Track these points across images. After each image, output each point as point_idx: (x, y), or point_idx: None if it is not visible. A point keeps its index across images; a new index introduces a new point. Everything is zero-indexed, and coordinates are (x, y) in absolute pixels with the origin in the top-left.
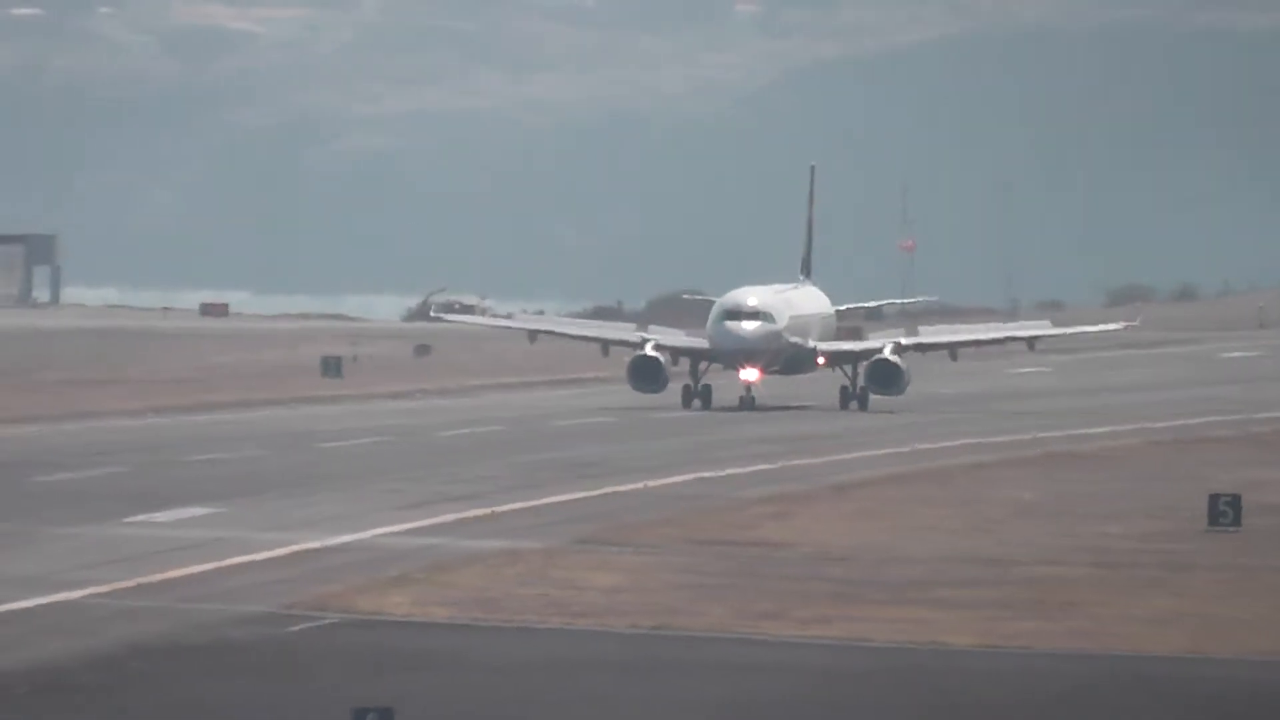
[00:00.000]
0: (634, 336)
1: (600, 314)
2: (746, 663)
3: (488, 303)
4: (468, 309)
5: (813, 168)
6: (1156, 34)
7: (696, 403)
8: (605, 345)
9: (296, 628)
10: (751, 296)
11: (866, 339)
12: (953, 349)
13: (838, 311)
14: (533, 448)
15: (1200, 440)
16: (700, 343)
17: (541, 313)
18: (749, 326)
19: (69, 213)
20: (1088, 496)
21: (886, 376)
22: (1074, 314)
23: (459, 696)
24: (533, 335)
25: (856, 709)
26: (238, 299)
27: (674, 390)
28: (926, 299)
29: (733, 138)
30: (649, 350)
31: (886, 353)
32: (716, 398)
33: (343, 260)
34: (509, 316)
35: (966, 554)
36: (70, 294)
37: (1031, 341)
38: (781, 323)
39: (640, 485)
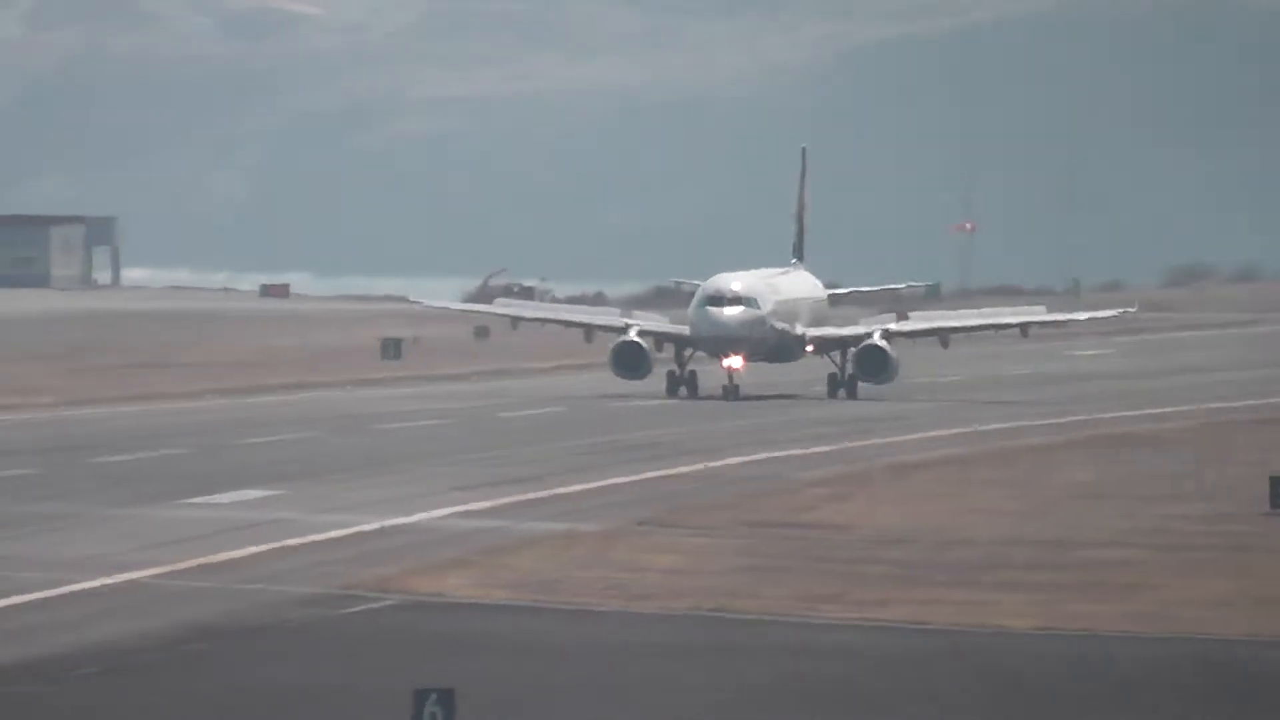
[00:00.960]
0: (618, 322)
1: (659, 295)
2: (805, 645)
3: (547, 285)
4: (527, 291)
5: (804, 149)
6: (1222, 10)
7: (682, 390)
8: (589, 330)
9: (355, 609)
10: (735, 281)
11: (856, 324)
12: (943, 335)
13: (832, 296)
14: (592, 430)
15: (1262, 422)
16: (684, 329)
17: (600, 294)
18: (731, 313)
19: (128, 194)
20: (1149, 478)
21: (875, 364)
22: (1133, 295)
23: (519, 678)
24: (515, 321)
25: (916, 692)
26: (298, 280)
27: (658, 376)
28: (913, 284)
29: (791, 119)
30: (632, 336)
31: (875, 339)
32: (703, 384)
33: (401, 242)
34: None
35: (1027, 536)
36: (130, 275)
37: (1025, 328)
38: (765, 308)
39: (700, 467)
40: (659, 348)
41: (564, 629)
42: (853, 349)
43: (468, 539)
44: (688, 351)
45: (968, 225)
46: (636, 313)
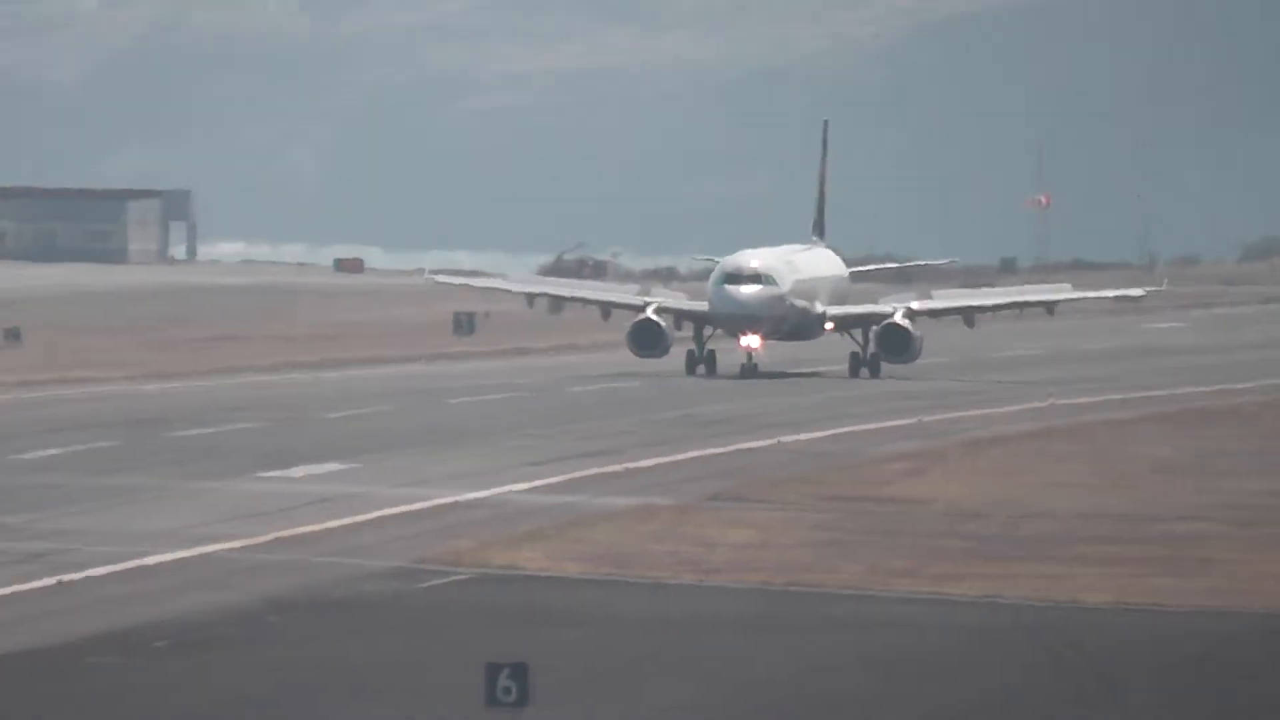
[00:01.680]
0: (636, 300)
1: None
2: (880, 619)
3: (620, 259)
4: (600, 266)
5: (825, 123)
6: None
7: (700, 369)
8: (606, 308)
9: (430, 583)
10: (753, 259)
11: (877, 303)
12: (967, 314)
13: (854, 274)
14: (666, 403)
15: None
16: (703, 306)
17: (673, 269)
18: (749, 290)
19: (204, 168)
20: (1226, 453)
21: (897, 343)
22: (1208, 269)
23: (592, 651)
24: (530, 299)
25: (990, 665)
26: (372, 255)
27: (676, 355)
28: (952, 260)
29: (866, 94)
30: (650, 314)
31: (897, 318)
32: (722, 362)
33: (476, 217)
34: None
35: (1103, 510)
36: (206, 250)
37: (1050, 306)
38: (785, 286)
39: (774, 441)
40: (678, 326)
41: (637, 603)
42: (874, 328)
43: (542, 513)
44: (707, 330)
45: (1042, 199)
46: (655, 290)
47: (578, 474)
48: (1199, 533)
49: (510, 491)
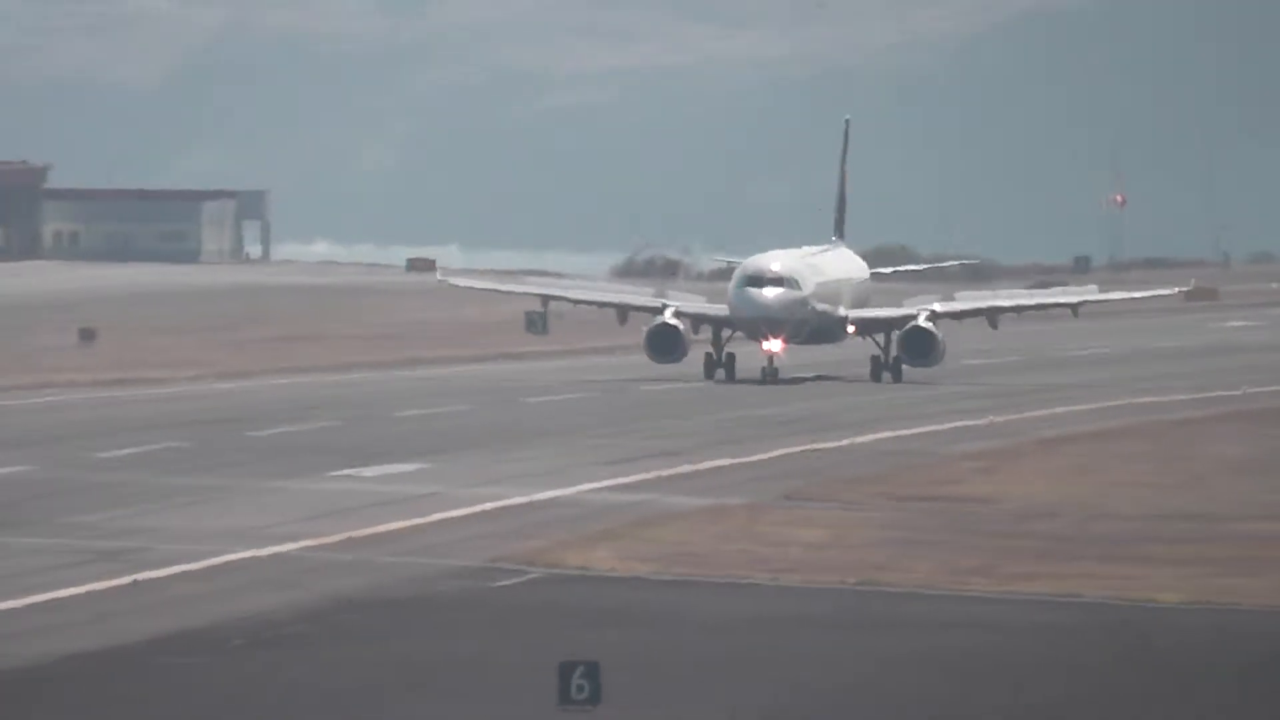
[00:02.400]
0: (653, 302)
1: None
2: (953, 619)
3: (692, 258)
4: (672, 264)
5: (847, 121)
6: None
7: (720, 373)
8: (623, 311)
9: (502, 582)
10: (775, 261)
11: (900, 305)
12: (991, 315)
13: (875, 275)
14: (737, 403)
15: None
16: (723, 310)
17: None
18: (771, 293)
19: (279, 169)
20: None
21: (921, 346)
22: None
23: (664, 651)
24: (545, 301)
25: (1063, 665)
26: (445, 254)
27: (694, 360)
28: (966, 261)
29: (941, 91)
30: (668, 317)
31: (921, 320)
32: (741, 366)
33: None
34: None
35: (1176, 510)
36: (280, 249)
37: (1075, 308)
38: (807, 289)
39: (845, 441)
40: (696, 329)
41: (710, 603)
42: (897, 331)
43: (614, 512)
44: (726, 333)
45: (1117, 198)
46: (672, 292)
47: (649, 473)
48: (1272, 532)
49: (582, 491)
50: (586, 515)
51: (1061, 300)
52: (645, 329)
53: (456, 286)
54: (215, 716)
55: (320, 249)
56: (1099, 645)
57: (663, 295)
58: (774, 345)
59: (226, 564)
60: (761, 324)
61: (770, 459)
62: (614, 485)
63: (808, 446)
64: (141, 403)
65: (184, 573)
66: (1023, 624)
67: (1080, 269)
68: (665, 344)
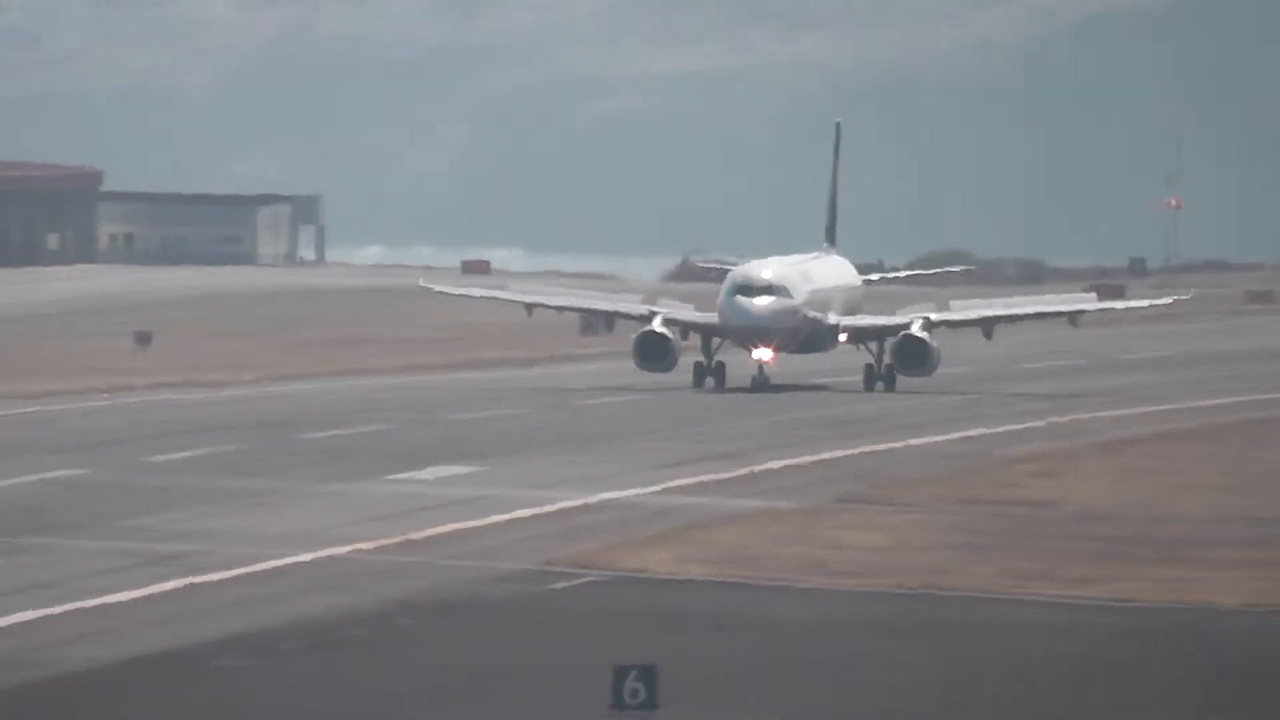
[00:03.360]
0: (641, 309)
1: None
2: (1012, 622)
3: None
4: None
5: (838, 124)
6: None
7: (709, 381)
8: (610, 319)
9: (558, 585)
10: (765, 269)
11: (894, 313)
12: (987, 325)
13: (866, 282)
14: (791, 406)
15: None
16: (712, 317)
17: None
18: (761, 302)
19: (334, 172)
20: None
21: (914, 355)
22: None
23: (721, 654)
24: (529, 308)
25: (1123, 668)
26: (499, 258)
27: (684, 368)
28: (967, 268)
29: (1002, 95)
30: (656, 325)
31: (914, 329)
32: (731, 375)
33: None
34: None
35: (1237, 513)
36: (335, 253)
37: (1074, 316)
38: (798, 298)
39: (902, 443)
40: (685, 337)
41: (766, 606)
42: (890, 339)
43: (669, 515)
44: (716, 342)
45: (1173, 201)
46: (663, 300)
47: (705, 476)
48: None
49: (637, 494)
50: (642, 518)
51: (1059, 309)
52: (633, 336)
53: (443, 294)
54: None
55: (374, 253)
56: (1158, 649)
57: (651, 303)
58: (764, 354)
59: (283, 567)
60: (751, 333)
61: (825, 461)
62: (669, 488)
63: (865, 449)
64: (197, 406)
65: (240, 576)
66: (1081, 628)
67: (1136, 271)
68: (654, 352)
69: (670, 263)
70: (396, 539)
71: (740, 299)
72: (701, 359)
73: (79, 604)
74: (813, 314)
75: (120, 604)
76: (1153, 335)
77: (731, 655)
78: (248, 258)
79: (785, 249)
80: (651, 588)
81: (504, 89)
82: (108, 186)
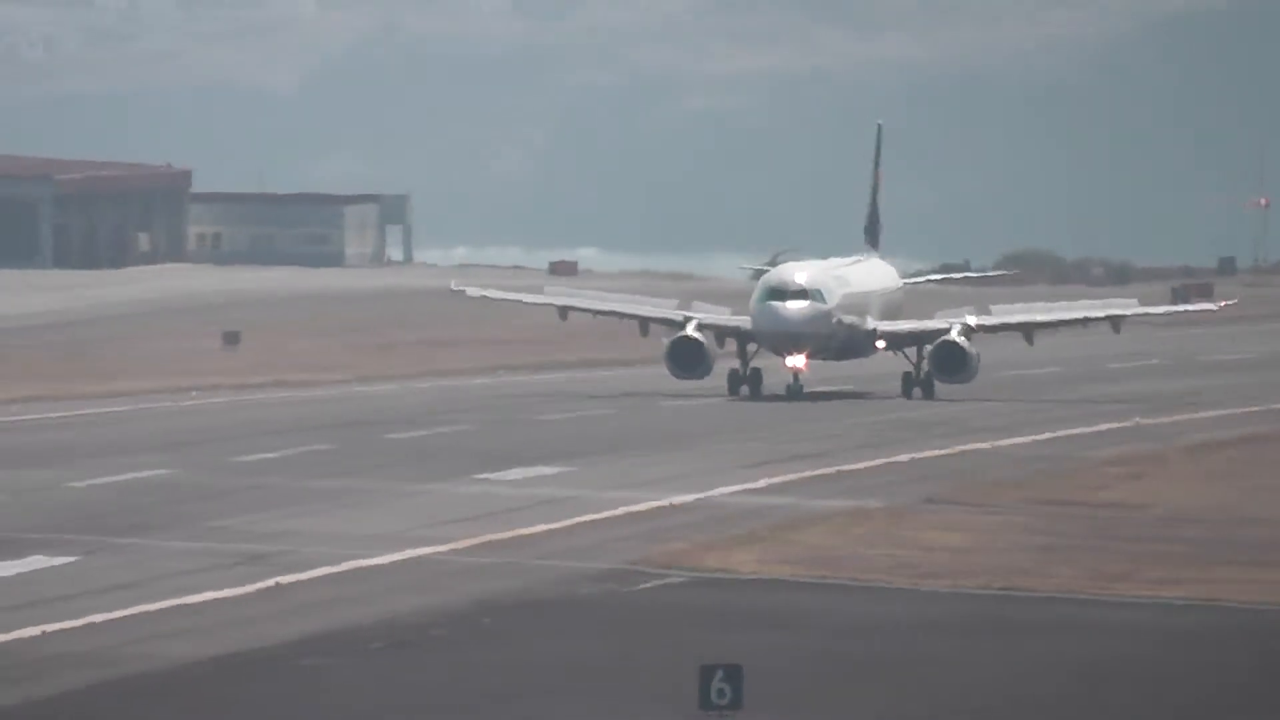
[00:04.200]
0: (675, 315)
1: (946, 271)
2: (1098, 624)
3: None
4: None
5: (879, 126)
6: None
7: (744, 389)
8: (644, 324)
9: (644, 585)
10: (799, 273)
11: (933, 318)
12: (1028, 330)
13: (905, 285)
14: (877, 407)
15: None
16: (748, 323)
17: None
18: (794, 307)
19: (419, 172)
20: None
21: (952, 361)
22: None
23: (806, 655)
24: (563, 311)
25: (1207, 671)
26: (585, 257)
27: (719, 374)
28: (1003, 271)
29: (1081, 94)
30: (690, 330)
31: (953, 335)
32: (769, 381)
33: (687, 219)
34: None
35: None
36: (420, 253)
37: (1116, 322)
38: (832, 303)
39: (989, 445)
40: (721, 343)
41: (850, 606)
42: (928, 345)
43: (755, 515)
44: (751, 347)
45: (1262, 201)
46: (697, 304)
47: (790, 476)
48: None
49: (723, 493)
50: (727, 518)
51: (1101, 314)
52: (666, 342)
53: (474, 297)
54: (355, 719)
55: (460, 253)
56: (1243, 651)
57: (686, 307)
58: (798, 360)
59: (368, 568)
60: (784, 339)
61: (913, 461)
62: (754, 488)
63: (951, 450)
64: (284, 405)
65: (325, 576)
66: (1165, 630)
67: (1225, 271)
68: (687, 358)
69: (757, 261)
70: (482, 539)
71: (773, 304)
72: (737, 366)
73: (166, 603)
74: (848, 319)
75: (206, 603)
76: (1234, 336)
77: (815, 656)
78: (335, 258)
79: (862, 249)
80: (737, 588)
81: (586, 88)
82: (195, 187)
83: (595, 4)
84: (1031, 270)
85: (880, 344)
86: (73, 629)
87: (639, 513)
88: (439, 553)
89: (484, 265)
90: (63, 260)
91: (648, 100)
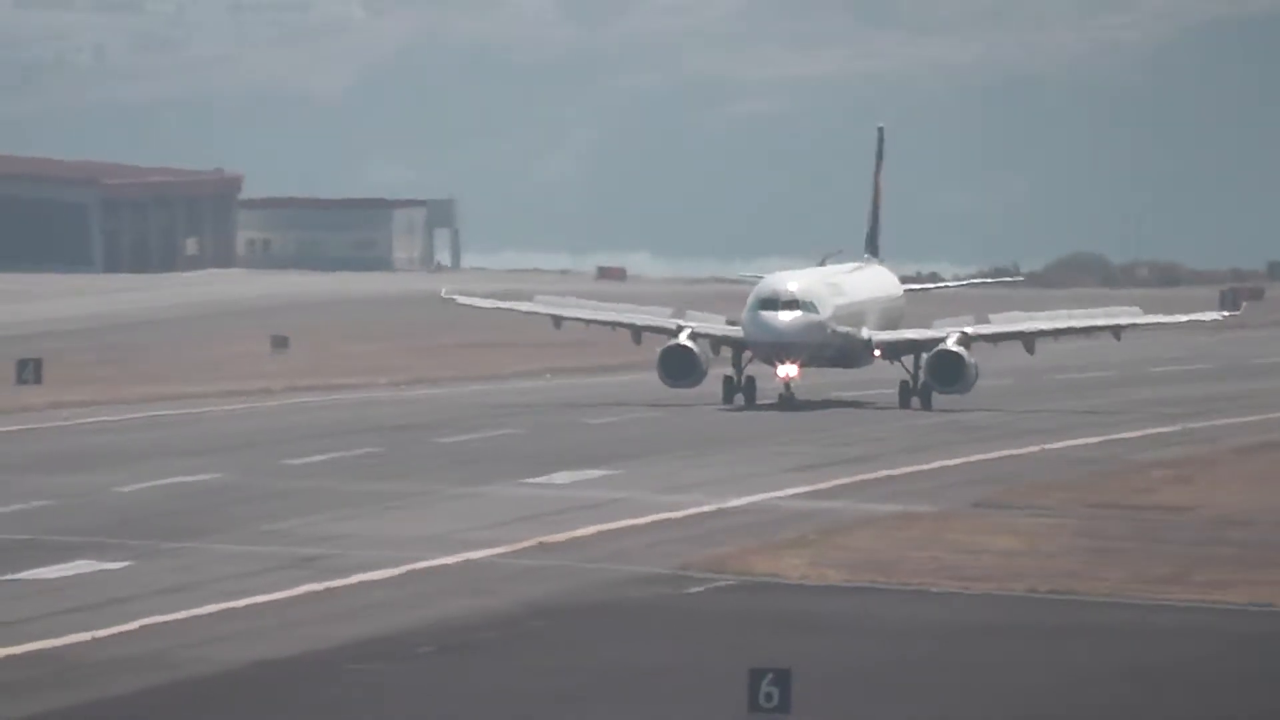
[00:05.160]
0: (669, 323)
1: (996, 275)
2: (1147, 627)
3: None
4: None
5: (880, 130)
6: None
7: (739, 398)
8: (637, 332)
9: (692, 589)
10: (792, 281)
11: (931, 326)
12: (1027, 339)
13: (906, 292)
14: (923, 411)
15: None
16: (742, 331)
17: (934, 274)
18: (786, 317)
19: (466, 177)
20: None
21: (949, 371)
22: None
23: (856, 659)
24: (557, 320)
25: (1258, 675)
26: (635, 262)
27: (713, 381)
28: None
29: (1131, 97)
30: (683, 339)
31: (950, 344)
32: (763, 389)
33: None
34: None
35: None
36: (470, 258)
37: (1117, 331)
38: (825, 313)
39: (1037, 448)
40: (715, 351)
41: (899, 610)
42: (925, 354)
43: (803, 519)
44: (746, 355)
45: None
46: (691, 313)
47: (839, 480)
48: None
49: (772, 498)
50: (775, 522)
51: (1103, 323)
52: (659, 350)
53: (463, 305)
54: None
55: (508, 257)
56: None
57: (680, 315)
58: (790, 370)
59: (417, 570)
60: (776, 349)
61: (961, 465)
62: (802, 492)
63: (1000, 453)
64: (333, 409)
65: (375, 579)
66: (1216, 633)
67: (1276, 274)
68: (680, 366)
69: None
70: (530, 542)
71: (764, 313)
72: (731, 374)
73: (215, 607)
74: (842, 329)
75: (256, 607)
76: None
77: (864, 659)
78: (384, 262)
79: (911, 251)
80: (786, 592)
81: (635, 92)
82: (244, 192)
83: (644, 8)
84: (1080, 273)
85: (877, 353)
86: (123, 633)
87: (687, 516)
88: (488, 556)
89: (533, 270)
90: (112, 265)
91: (696, 105)
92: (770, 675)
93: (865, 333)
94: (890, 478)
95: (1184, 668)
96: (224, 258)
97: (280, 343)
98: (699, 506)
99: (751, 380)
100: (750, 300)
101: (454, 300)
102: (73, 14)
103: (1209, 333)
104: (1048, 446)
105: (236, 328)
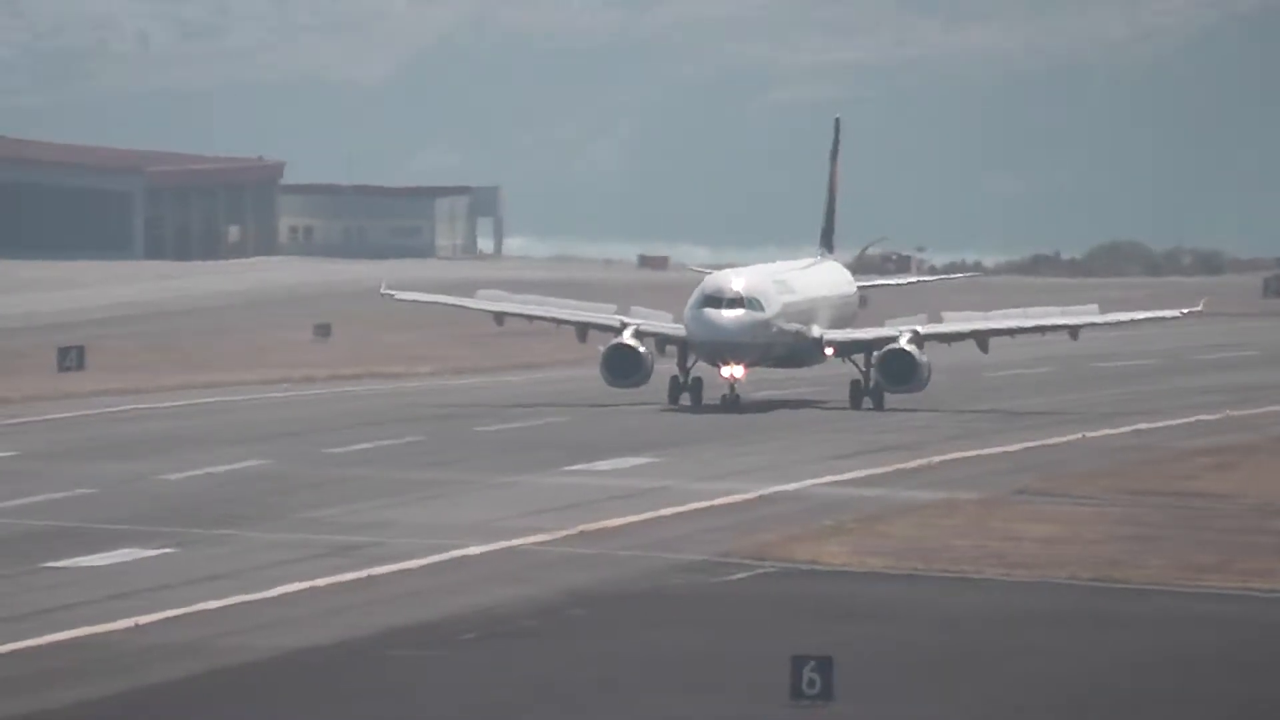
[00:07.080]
0: (612, 320)
1: (1038, 263)
2: (1188, 615)
3: (924, 254)
4: (904, 261)
5: (837, 121)
6: None
7: (685, 397)
8: (582, 329)
9: (734, 576)
10: (736, 280)
11: (882, 325)
12: (981, 338)
13: (861, 289)
14: (968, 397)
15: None
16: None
17: (978, 263)
18: (729, 316)
19: (510, 164)
20: None
21: (901, 370)
22: None
23: (897, 646)
24: (499, 317)
25: None
26: (681, 251)
27: (657, 382)
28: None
29: (1175, 84)
30: (626, 337)
31: (902, 343)
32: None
33: (779, 211)
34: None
35: None
36: (512, 245)
37: (1074, 330)
38: (770, 311)
39: (1078, 436)
40: (661, 350)
41: (941, 597)
42: (876, 353)
43: (845, 507)
44: (692, 355)
45: None
46: (636, 309)
47: (880, 468)
48: None
49: (814, 485)
50: (816, 509)
51: (1059, 323)
52: (601, 349)
53: (402, 301)
54: (446, 709)
55: (551, 245)
56: None
57: (624, 313)
58: (735, 371)
59: (459, 558)
60: (719, 348)
61: (1003, 453)
62: (843, 480)
63: (1041, 441)
64: (375, 398)
65: (417, 567)
66: (1258, 621)
67: None
68: (623, 366)
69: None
70: (573, 530)
71: (707, 311)
72: (677, 374)
73: (260, 594)
74: (791, 327)
75: (299, 594)
76: None
77: (906, 646)
78: (426, 250)
79: (958, 241)
80: (827, 579)
81: (677, 80)
82: (286, 179)
83: None
84: (1122, 261)
85: (829, 351)
86: (166, 620)
87: (729, 504)
88: (531, 543)
89: (576, 258)
90: (154, 252)
91: (739, 92)
92: (813, 662)
93: (816, 331)
94: (932, 465)
95: (1225, 655)
96: (266, 245)
97: (323, 330)
98: (741, 494)
99: (699, 380)
100: (693, 297)
101: (391, 296)
102: (116, 2)
103: (1256, 319)
104: (1090, 434)
105: (279, 315)
